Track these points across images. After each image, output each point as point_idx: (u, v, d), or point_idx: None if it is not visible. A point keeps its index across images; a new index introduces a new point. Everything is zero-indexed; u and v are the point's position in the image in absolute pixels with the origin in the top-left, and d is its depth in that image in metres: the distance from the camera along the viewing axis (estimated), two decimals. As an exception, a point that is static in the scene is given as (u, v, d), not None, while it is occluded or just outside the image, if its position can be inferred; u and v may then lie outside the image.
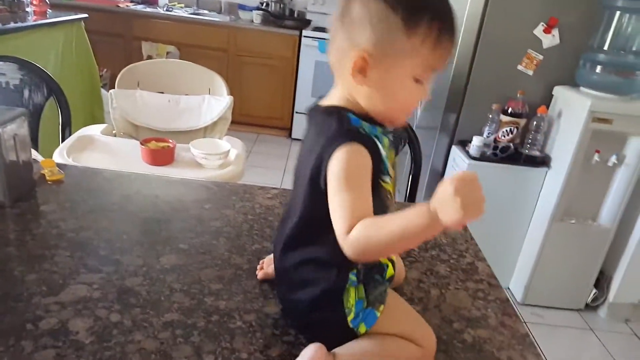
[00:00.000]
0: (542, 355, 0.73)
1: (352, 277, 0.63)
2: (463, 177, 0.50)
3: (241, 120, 3.85)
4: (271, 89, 3.90)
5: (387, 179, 0.61)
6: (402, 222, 0.52)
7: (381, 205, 0.59)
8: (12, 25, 2.47)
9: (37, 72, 1.57)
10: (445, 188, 0.49)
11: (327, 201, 0.57)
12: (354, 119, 0.60)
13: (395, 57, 0.58)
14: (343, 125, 0.59)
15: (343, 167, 0.56)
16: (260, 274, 0.80)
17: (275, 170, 3.32)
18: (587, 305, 2.25)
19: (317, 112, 0.64)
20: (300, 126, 3.93)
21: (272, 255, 0.79)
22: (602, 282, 2.21)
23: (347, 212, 0.55)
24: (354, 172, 0.56)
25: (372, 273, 0.65)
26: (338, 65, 0.62)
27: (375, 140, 0.59)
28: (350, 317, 0.63)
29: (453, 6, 0.60)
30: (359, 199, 0.56)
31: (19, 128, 0.93)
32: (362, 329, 0.63)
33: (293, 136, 3.99)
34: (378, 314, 0.64)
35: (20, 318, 0.65)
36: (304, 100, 3.86)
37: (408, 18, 0.56)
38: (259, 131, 4.03)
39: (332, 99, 0.64)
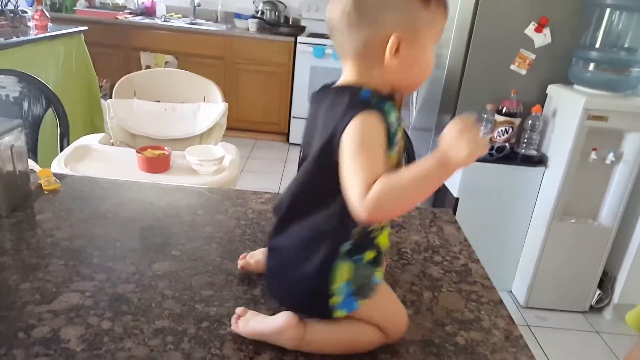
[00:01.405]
0: (535, 358, 0.73)
1: (347, 246, 0.64)
2: (463, 120, 0.56)
3: (239, 126, 3.88)
4: (268, 94, 3.93)
5: (393, 151, 0.64)
6: (417, 169, 0.57)
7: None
8: (14, 39, 2.51)
9: (36, 84, 1.60)
10: (450, 130, 0.56)
11: (332, 171, 0.60)
12: (364, 92, 0.63)
13: (421, 30, 0.63)
14: (355, 97, 0.62)
15: (359, 134, 0.59)
16: (241, 263, 0.83)
17: (274, 175, 3.34)
18: (591, 307, 2.21)
19: (328, 92, 0.67)
20: (297, 131, 3.95)
21: (259, 250, 0.82)
22: (606, 282, 2.19)
23: (364, 173, 0.57)
24: (369, 137, 0.59)
25: (364, 248, 0.66)
26: (362, 54, 0.64)
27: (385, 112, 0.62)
28: (333, 300, 0.65)
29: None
30: (375, 162, 0.58)
31: (16, 139, 0.95)
32: (339, 314, 0.65)
33: (291, 141, 4.01)
34: (358, 306, 0.65)
35: (13, 327, 0.66)
36: (300, 105, 3.89)
37: None
38: (256, 137, 4.06)
39: (342, 82, 0.67)
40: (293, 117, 3.96)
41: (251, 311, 0.70)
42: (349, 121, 0.59)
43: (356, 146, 0.58)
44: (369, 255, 0.67)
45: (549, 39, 2.05)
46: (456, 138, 0.55)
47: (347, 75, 0.67)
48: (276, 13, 4.06)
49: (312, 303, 0.67)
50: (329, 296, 0.64)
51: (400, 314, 0.71)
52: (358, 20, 0.62)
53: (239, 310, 0.70)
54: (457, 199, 2.09)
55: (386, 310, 0.69)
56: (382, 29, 0.62)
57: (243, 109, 3.93)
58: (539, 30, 2.03)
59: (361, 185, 0.57)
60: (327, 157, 0.61)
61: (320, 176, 0.64)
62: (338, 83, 0.67)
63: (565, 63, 2.05)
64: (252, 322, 0.68)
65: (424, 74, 0.67)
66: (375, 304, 0.67)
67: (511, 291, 2.31)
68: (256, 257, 0.83)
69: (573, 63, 2.03)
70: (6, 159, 0.92)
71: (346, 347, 0.68)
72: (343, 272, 0.64)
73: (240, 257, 0.85)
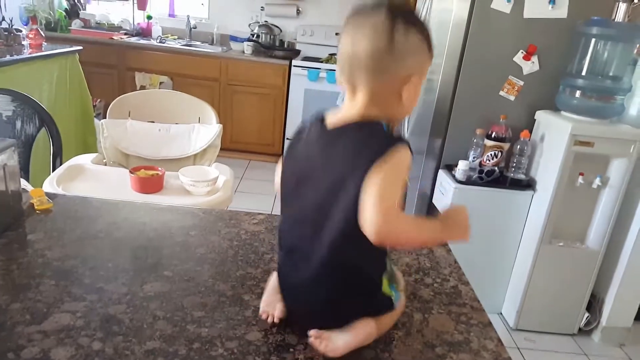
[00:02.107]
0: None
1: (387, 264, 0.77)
2: (464, 209, 0.75)
3: (233, 147, 3.90)
4: (262, 116, 3.97)
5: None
6: (427, 223, 0.72)
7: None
8: (8, 58, 2.52)
9: (30, 103, 1.61)
10: (458, 211, 0.75)
11: None
12: (384, 126, 0.70)
13: (425, 71, 0.73)
14: (387, 132, 0.69)
15: (401, 164, 0.65)
16: (271, 319, 0.78)
17: (267, 196, 3.34)
18: (580, 329, 2.23)
19: (347, 129, 0.69)
20: (292, 152, 3.97)
21: (269, 298, 0.79)
22: (594, 305, 2.21)
23: (395, 197, 0.64)
24: (406, 168, 0.67)
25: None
26: (382, 89, 0.69)
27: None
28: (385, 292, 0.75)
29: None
30: (400, 191, 0.66)
31: (9, 159, 0.95)
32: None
33: (285, 162, 4.04)
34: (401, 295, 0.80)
35: (2, 347, 0.66)
36: (294, 127, 3.89)
37: (428, 40, 0.71)
38: (250, 157, 4.07)
39: (352, 116, 0.70)
40: (287, 138, 4.00)
41: (324, 332, 0.71)
42: (389, 151, 0.64)
43: (395, 175, 0.64)
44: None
45: (537, 67, 2.11)
46: (461, 219, 0.74)
47: (359, 108, 0.70)
48: (271, 36, 4.13)
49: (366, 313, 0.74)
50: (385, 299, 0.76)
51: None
52: (389, 59, 0.67)
53: (313, 332, 0.71)
54: (448, 221, 2.11)
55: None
56: (406, 70, 0.69)
57: (237, 130, 3.96)
58: (527, 58, 2.09)
59: (392, 205, 0.63)
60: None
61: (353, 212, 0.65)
62: (349, 116, 0.70)
63: (553, 90, 2.10)
64: (341, 341, 0.71)
65: (412, 106, 0.74)
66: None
67: (501, 313, 2.31)
68: (277, 307, 0.78)
69: (560, 90, 2.08)
70: (-1, 178, 0.93)
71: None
72: (386, 282, 0.76)
73: (263, 316, 0.78)
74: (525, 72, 2.12)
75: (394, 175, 0.64)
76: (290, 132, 3.97)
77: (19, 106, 1.61)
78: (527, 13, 2.04)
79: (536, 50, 2.08)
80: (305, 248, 0.72)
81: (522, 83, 2.13)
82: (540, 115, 2.14)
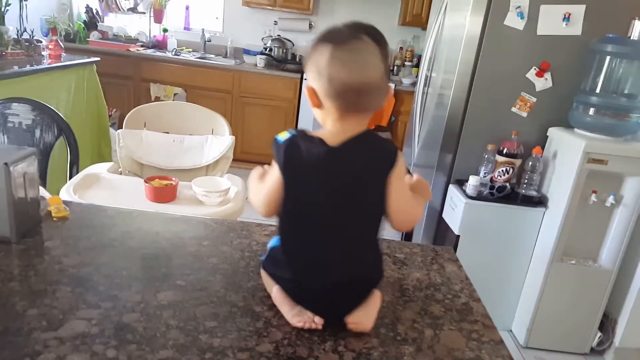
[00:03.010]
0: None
1: None
2: (423, 179, 0.90)
3: (243, 157, 3.92)
4: (273, 128, 4.00)
5: None
6: (418, 198, 0.87)
7: None
8: (28, 68, 2.59)
9: (49, 113, 1.64)
10: (423, 181, 0.89)
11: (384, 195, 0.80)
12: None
13: None
14: (386, 138, 0.83)
15: (402, 163, 0.81)
16: (316, 324, 0.80)
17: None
18: (592, 349, 2.19)
19: (361, 142, 0.79)
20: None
21: (294, 309, 0.81)
22: (607, 325, 2.17)
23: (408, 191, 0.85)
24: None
25: None
26: (374, 103, 0.80)
27: None
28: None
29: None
30: None
31: (29, 166, 0.98)
32: None
33: (294, 174, 4.05)
34: None
35: (19, 353, 0.67)
36: (305, 140, 3.95)
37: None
38: (261, 169, 4.09)
39: (357, 131, 0.79)
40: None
41: (358, 318, 0.81)
42: (398, 155, 0.79)
43: (404, 172, 0.82)
44: None
45: (549, 83, 2.11)
46: (425, 185, 0.89)
47: (362, 125, 0.80)
48: (284, 50, 4.19)
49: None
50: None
51: None
52: (386, 80, 0.78)
53: (352, 321, 0.81)
54: (458, 236, 2.10)
55: None
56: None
57: (248, 142, 4.00)
58: (540, 74, 2.10)
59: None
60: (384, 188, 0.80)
61: (382, 204, 0.81)
62: (355, 132, 0.78)
63: (566, 107, 2.10)
64: (371, 318, 0.83)
65: None
66: None
67: (511, 330, 2.28)
68: (308, 314, 0.81)
69: (573, 107, 2.08)
70: (19, 185, 0.95)
71: None
72: None
73: (306, 326, 0.80)
74: (538, 88, 2.12)
75: (404, 172, 0.81)
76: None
77: (39, 115, 1.64)
78: (541, 30, 2.05)
79: (549, 67, 2.08)
80: (336, 249, 0.80)
81: (534, 99, 2.13)
82: (553, 132, 2.13)
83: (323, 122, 0.81)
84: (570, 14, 2.02)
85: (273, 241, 0.88)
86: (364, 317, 0.82)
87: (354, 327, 0.81)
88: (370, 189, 0.79)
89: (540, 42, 2.06)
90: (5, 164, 0.90)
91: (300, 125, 3.98)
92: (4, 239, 0.94)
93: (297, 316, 0.80)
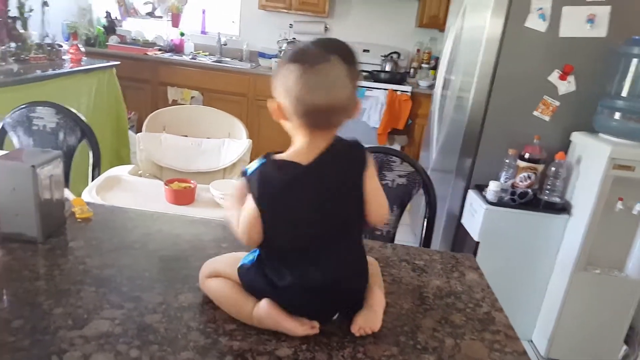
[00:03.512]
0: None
1: None
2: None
3: (259, 161, 3.94)
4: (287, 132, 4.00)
5: None
6: None
7: None
8: (50, 72, 2.64)
9: (72, 116, 1.67)
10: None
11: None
12: None
13: None
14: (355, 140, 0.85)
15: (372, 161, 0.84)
16: (316, 328, 0.80)
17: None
18: (617, 362, 2.14)
19: (334, 150, 0.81)
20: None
21: (293, 320, 0.79)
22: (632, 338, 2.10)
23: None
24: None
25: None
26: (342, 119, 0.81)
27: None
28: None
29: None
30: None
31: (55, 169, 0.99)
32: None
33: (309, 177, 4.05)
34: None
35: (46, 350, 0.67)
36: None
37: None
38: (277, 173, 4.10)
39: (326, 144, 0.80)
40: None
41: (364, 323, 0.81)
42: (367, 155, 0.83)
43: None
44: None
45: (573, 87, 2.07)
46: None
47: (331, 137, 0.80)
48: (300, 54, 4.20)
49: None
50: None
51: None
52: (354, 97, 0.78)
53: (358, 330, 0.80)
54: (477, 243, 2.07)
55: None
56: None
57: (263, 145, 3.99)
58: (563, 77, 2.06)
59: None
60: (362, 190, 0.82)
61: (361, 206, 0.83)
62: (324, 145, 0.80)
63: (590, 111, 2.05)
64: (378, 318, 0.83)
65: None
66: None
67: (531, 340, 2.23)
68: (305, 321, 0.80)
69: (598, 111, 2.03)
70: (45, 187, 0.96)
71: None
72: None
73: (312, 332, 0.80)
74: (561, 92, 2.08)
75: (374, 167, 0.84)
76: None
77: (62, 118, 1.67)
78: (564, 32, 2.01)
79: (573, 70, 2.05)
80: (330, 253, 0.81)
81: (557, 103, 2.09)
82: (577, 137, 2.09)
83: (291, 133, 0.82)
84: (594, 16, 1.98)
85: (248, 259, 0.85)
86: (372, 317, 0.83)
87: (361, 332, 0.81)
88: (351, 196, 0.82)
89: (563, 44, 2.03)
90: (33, 166, 0.92)
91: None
92: (31, 239, 0.95)
93: (301, 325, 0.79)
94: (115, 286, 0.85)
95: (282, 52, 4.13)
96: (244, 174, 0.80)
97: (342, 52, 0.76)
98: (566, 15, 2.00)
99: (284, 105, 0.77)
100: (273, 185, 0.77)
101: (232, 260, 0.86)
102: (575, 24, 2.00)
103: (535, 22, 2.01)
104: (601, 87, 2.03)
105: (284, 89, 0.76)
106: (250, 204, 0.79)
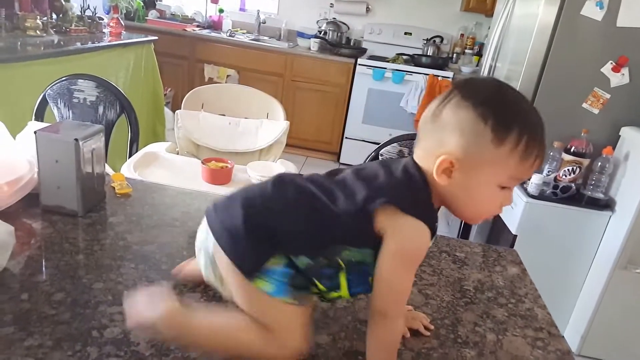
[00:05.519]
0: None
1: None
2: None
3: (291, 142, 3.91)
4: (323, 113, 3.97)
5: None
6: None
7: None
8: (90, 45, 2.67)
9: (113, 90, 1.68)
10: None
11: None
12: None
13: (481, 165, 0.60)
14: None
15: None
16: (181, 274, 0.83)
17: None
18: (652, 363, 2.08)
19: (398, 162, 0.68)
20: (349, 151, 3.95)
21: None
22: (670, 339, 2.04)
23: None
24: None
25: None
26: (424, 162, 0.65)
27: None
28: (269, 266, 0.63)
29: (542, 118, 0.63)
30: None
31: (96, 143, 1.00)
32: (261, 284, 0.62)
33: (341, 160, 4.02)
34: (286, 296, 0.62)
35: (87, 325, 0.68)
36: (354, 127, 3.90)
37: (497, 129, 0.59)
38: (308, 154, 4.09)
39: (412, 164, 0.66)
40: (346, 137, 3.98)
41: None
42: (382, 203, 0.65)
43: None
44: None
45: (627, 79, 1.96)
46: None
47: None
48: (339, 34, 4.13)
49: (250, 250, 0.63)
50: (266, 258, 0.62)
51: (294, 337, 0.63)
52: (431, 125, 0.64)
53: None
54: (515, 236, 2.01)
55: (288, 322, 0.63)
56: (440, 145, 0.62)
57: (297, 126, 3.98)
58: (616, 69, 1.95)
59: None
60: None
61: None
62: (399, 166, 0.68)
63: (643, 105, 1.95)
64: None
65: (477, 211, 0.65)
66: (285, 311, 0.62)
67: (563, 336, 2.18)
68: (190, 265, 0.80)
69: (651, 106, 1.93)
70: (87, 161, 0.97)
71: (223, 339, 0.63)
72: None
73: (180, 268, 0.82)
74: (613, 84, 1.98)
75: None
76: (349, 131, 3.94)
77: (102, 92, 1.69)
78: (621, 21, 1.90)
79: (627, 62, 1.94)
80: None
81: (608, 96, 1.99)
82: (627, 132, 1.99)
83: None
84: (657, 4, 1.86)
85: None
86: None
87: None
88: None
89: (620, 34, 1.92)
90: (76, 139, 0.92)
91: (350, 113, 3.91)
92: (71, 212, 0.96)
93: None
94: (155, 263, 0.86)
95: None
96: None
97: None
98: (626, 3, 1.88)
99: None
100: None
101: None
102: (635, 13, 1.89)
103: (591, 10, 1.91)
104: (658, 81, 1.92)
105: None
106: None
